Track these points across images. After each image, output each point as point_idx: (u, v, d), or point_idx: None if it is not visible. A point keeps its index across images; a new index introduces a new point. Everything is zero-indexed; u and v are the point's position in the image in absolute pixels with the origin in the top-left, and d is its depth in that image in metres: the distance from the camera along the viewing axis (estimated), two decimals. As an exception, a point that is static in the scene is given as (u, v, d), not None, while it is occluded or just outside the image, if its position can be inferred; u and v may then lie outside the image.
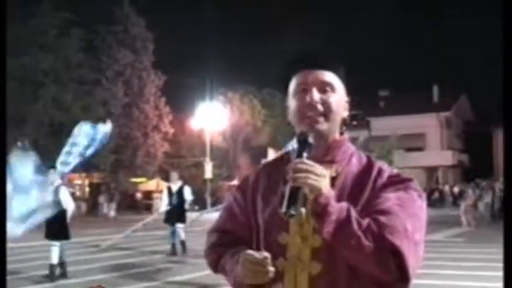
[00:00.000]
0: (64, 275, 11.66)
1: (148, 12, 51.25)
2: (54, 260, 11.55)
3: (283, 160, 2.03)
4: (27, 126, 36.17)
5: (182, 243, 15.19)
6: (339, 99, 1.96)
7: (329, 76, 1.95)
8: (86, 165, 40.96)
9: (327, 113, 1.91)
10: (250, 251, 1.85)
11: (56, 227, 11.34)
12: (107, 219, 35.62)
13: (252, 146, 46.29)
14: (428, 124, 57.65)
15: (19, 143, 10.19)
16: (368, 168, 1.94)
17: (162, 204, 15.76)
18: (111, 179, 45.95)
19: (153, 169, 46.39)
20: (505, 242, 3.01)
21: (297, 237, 1.88)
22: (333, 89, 1.94)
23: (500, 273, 11.30)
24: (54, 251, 11.55)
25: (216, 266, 2.09)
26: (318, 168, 1.76)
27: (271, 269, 1.79)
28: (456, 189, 46.56)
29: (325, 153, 1.94)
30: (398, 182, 1.89)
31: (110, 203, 41.09)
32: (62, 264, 11.75)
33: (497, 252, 14.79)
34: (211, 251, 2.12)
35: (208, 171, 40.47)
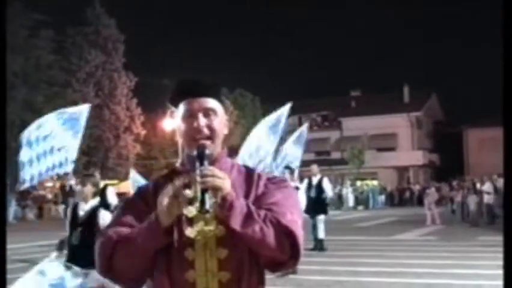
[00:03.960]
0: None
1: (119, 13, 50.96)
2: None
3: (175, 172, 2.37)
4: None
5: None
6: (220, 120, 2.32)
7: (211, 102, 2.30)
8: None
9: (211, 134, 2.28)
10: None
11: None
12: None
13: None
14: (399, 124, 58.11)
15: None
16: (249, 174, 2.36)
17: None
18: (83, 181, 45.52)
19: (125, 171, 46.05)
20: (505, 242, 3.06)
21: (203, 230, 2.18)
22: (215, 113, 2.30)
23: (473, 271, 11.44)
24: None
25: (115, 244, 2.15)
26: (220, 172, 2.08)
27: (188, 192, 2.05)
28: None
29: (213, 164, 2.21)
30: (278, 182, 2.33)
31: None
32: None
33: (469, 251, 14.99)
34: (113, 235, 2.19)
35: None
